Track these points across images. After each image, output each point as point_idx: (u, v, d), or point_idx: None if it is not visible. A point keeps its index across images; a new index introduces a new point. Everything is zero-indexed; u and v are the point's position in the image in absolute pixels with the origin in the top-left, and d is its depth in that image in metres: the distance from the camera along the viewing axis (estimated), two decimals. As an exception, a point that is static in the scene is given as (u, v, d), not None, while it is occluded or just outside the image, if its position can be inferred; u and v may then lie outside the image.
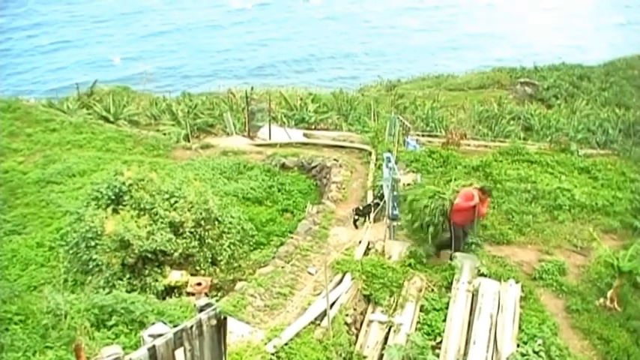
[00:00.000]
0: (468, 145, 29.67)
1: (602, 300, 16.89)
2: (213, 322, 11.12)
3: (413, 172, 23.41)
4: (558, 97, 48.13)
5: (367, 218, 19.91)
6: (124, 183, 17.69)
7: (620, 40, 75.99)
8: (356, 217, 19.92)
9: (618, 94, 49.37)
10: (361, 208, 20.06)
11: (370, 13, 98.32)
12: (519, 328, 15.21)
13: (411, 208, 17.71)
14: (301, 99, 39.60)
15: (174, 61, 76.39)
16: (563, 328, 15.85)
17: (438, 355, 14.15)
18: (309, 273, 16.71)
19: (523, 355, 14.06)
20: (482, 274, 16.95)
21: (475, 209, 16.72)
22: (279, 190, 23.55)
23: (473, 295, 16.21)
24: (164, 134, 32.13)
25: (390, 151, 22.35)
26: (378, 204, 19.77)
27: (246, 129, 31.57)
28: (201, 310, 11.17)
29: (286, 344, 13.06)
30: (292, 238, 18.82)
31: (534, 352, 14.16)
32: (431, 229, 17.14)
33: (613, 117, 38.87)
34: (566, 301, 16.97)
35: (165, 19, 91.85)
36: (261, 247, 19.28)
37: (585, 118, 38.71)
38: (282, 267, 16.82)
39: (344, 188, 22.90)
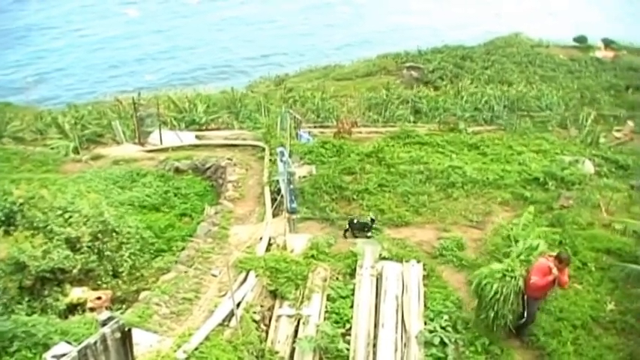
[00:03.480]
0: (360, 133, 30.33)
1: (500, 270, 17.51)
2: (118, 335, 11.04)
3: (308, 164, 23.75)
4: (444, 78, 49.65)
5: (356, 234, 19.49)
6: (14, 203, 17.10)
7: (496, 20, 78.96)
8: (347, 228, 19.71)
9: (500, 71, 51.55)
10: (355, 221, 19.54)
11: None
12: (425, 306, 15.79)
13: (479, 297, 14.56)
14: (190, 101, 39.23)
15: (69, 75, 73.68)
16: (467, 302, 16.43)
17: (348, 342, 14.51)
18: (213, 275, 16.70)
19: (431, 332, 14.67)
20: (384, 258, 17.49)
21: (554, 282, 14.19)
22: (175, 195, 23.32)
23: (377, 278, 16.68)
24: (52, 148, 31.08)
25: (283, 145, 22.59)
26: (373, 220, 19.50)
27: (137, 136, 31.03)
28: (103, 324, 11.08)
29: (196, 349, 13.06)
30: (192, 241, 18.73)
31: (441, 327, 14.83)
32: (509, 317, 14.24)
33: (497, 94, 40.45)
34: (467, 274, 17.61)
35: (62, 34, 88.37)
36: (163, 253, 19.08)
37: (471, 97, 40.11)
38: (185, 272, 16.75)
39: (240, 186, 22.96)
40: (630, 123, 36.61)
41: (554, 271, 13.78)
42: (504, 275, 13.93)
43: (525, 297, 14.28)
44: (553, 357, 14.67)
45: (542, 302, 15.16)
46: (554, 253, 14.44)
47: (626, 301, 16.68)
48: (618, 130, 35.54)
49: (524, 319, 14.62)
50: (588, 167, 26.46)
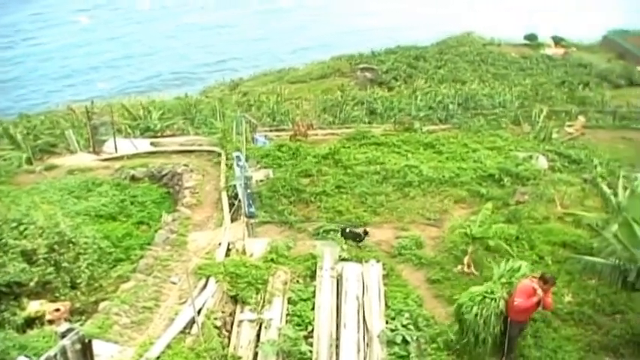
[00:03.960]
0: (316, 135, 30.48)
1: (459, 267, 17.94)
2: (78, 346, 10.95)
3: (264, 167, 23.76)
4: (398, 78, 50.24)
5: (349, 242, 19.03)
6: (-34, 217, 16.81)
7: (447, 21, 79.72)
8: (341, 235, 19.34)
9: (453, 70, 52.34)
10: (348, 230, 19.20)
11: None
12: (386, 305, 15.88)
13: (459, 321, 14.02)
14: (144, 107, 38.91)
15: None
16: (427, 299, 16.66)
17: (311, 344, 14.51)
18: (173, 282, 16.57)
19: (392, 330, 14.74)
20: (343, 259, 17.58)
21: (539, 304, 13.59)
22: (131, 203, 23.07)
23: (337, 280, 16.73)
24: (4, 160, 30.54)
25: (239, 149, 22.53)
26: (366, 232, 19.17)
27: (91, 145, 30.62)
28: (63, 336, 10.96)
29: (158, 358, 12.96)
30: (151, 249, 18.54)
31: (403, 325, 14.90)
32: (489, 341, 13.68)
33: (451, 92, 40.98)
34: (426, 272, 17.88)
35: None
36: (121, 263, 18.82)
37: (425, 96, 40.60)
38: (145, 280, 16.56)
39: (197, 192, 22.83)
40: (581, 118, 37.33)
41: (539, 292, 13.30)
42: (484, 297, 13.55)
43: (508, 320, 13.77)
44: (514, 351, 14.91)
45: (525, 326, 14.45)
46: (538, 275, 13.96)
47: (582, 293, 17.03)
48: (570, 126, 36.17)
49: (505, 345, 14.08)
50: (542, 162, 26.96)
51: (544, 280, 13.52)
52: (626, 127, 36.82)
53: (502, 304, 13.52)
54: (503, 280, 13.99)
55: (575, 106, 40.96)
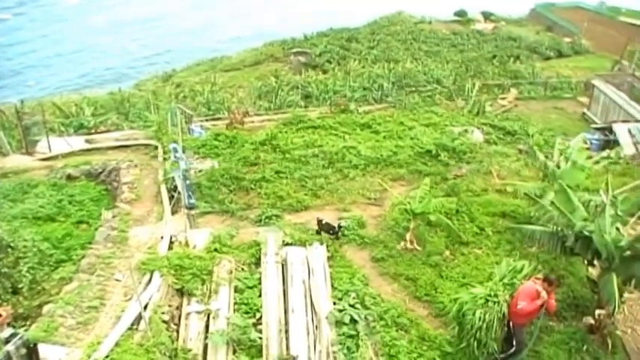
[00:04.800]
0: (252, 122, 30.45)
1: (402, 243, 18.22)
2: (23, 351, 10.80)
3: (202, 157, 23.62)
4: (331, 61, 50.29)
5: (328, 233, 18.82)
6: None
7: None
8: (318, 230, 19.02)
9: (386, 50, 52.66)
10: (324, 222, 18.83)
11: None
12: (332, 286, 16.02)
13: (460, 325, 13.48)
14: (76, 104, 38.09)
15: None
16: (372, 277, 16.91)
17: (260, 331, 14.56)
18: (117, 280, 16.38)
19: (340, 311, 14.88)
20: (287, 244, 17.62)
21: (542, 306, 13.07)
22: (69, 203, 22.61)
23: (282, 265, 16.79)
24: None
25: (175, 141, 22.29)
26: (340, 227, 18.81)
27: (24, 146, 29.89)
28: (7, 341, 10.78)
29: (107, 356, 12.82)
30: (92, 248, 18.25)
31: (350, 305, 15.07)
32: (492, 345, 13.04)
33: (384, 72, 41.33)
34: (370, 251, 18.13)
35: None
36: (63, 264, 18.45)
37: (359, 77, 40.86)
38: (88, 280, 16.31)
39: (136, 187, 22.55)
40: (514, 90, 38.28)
41: (543, 294, 12.83)
42: (487, 301, 12.94)
43: (510, 324, 13.34)
44: (460, 322, 15.25)
45: (528, 328, 13.92)
46: (541, 276, 13.43)
47: (523, 261, 17.45)
48: (503, 98, 37.03)
49: (513, 349, 13.59)
50: (477, 136, 27.54)
51: (548, 282, 13.11)
52: (558, 97, 37.94)
53: (505, 307, 12.96)
54: (506, 280, 13.48)
55: (507, 78, 41.82)
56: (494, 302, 12.85)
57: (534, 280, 13.24)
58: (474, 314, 12.79)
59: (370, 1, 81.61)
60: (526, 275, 13.66)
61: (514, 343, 13.51)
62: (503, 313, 12.91)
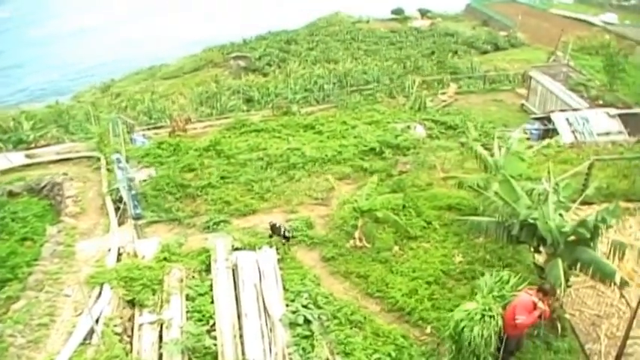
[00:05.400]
0: (195, 129, 30.34)
1: (351, 242, 18.40)
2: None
3: (146, 166, 23.41)
4: (271, 64, 50.28)
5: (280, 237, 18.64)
6: None
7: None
8: (271, 234, 18.87)
9: (325, 50, 52.89)
10: (278, 225, 18.55)
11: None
12: (284, 288, 16.07)
13: (457, 342, 12.99)
14: (14, 119, 37.28)
15: None
16: (323, 277, 17.05)
17: (215, 338, 14.52)
18: (66, 295, 16.12)
19: (293, 312, 14.94)
20: (237, 249, 17.61)
21: (541, 317, 13.12)
22: (12, 220, 22.17)
23: (233, 270, 16.76)
24: None
25: (118, 151, 22.08)
26: (288, 231, 18.47)
27: (-40, 164, 29.18)
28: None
29: (61, 373, 12.70)
30: (39, 265, 17.93)
31: (303, 306, 15.15)
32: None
33: (325, 73, 41.54)
34: (320, 251, 18.28)
35: None
36: (8, 283, 18.14)
37: (300, 79, 40.97)
38: (36, 297, 16.01)
39: (80, 200, 22.23)
40: (453, 85, 38.80)
41: (540, 305, 12.76)
42: (483, 316, 12.69)
43: (504, 336, 12.93)
44: (413, 315, 15.48)
45: (522, 339, 13.86)
46: (534, 288, 13.25)
47: (471, 252, 17.84)
48: (443, 93, 37.53)
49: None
50: (420, 131, 27.90)
51: (544, 292, 12.96)
52: (496, 90, 38.66)
53: (500, 321, 12.75)
54: (495, 293, 13.33)
55: (446, 74, 42.41)
56: (490, 317, 12.67)
57: (527, 291, 13.09)
58: (471, 331, 12.53)
59: (307, 3, 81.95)
60: (514, 286, 13.56)
61: (502, 354, 13.18)
62: (499, 327, 12.72)
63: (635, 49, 47.07)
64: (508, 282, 13.64)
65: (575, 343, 14.37)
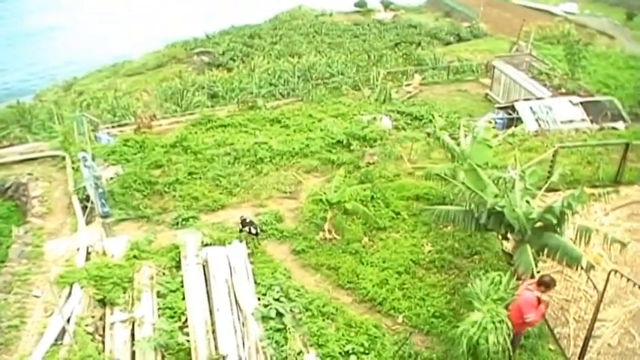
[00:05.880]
0: (160, 125, 30.21)
1: (321, 234, 18.47)
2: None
3: (112, 164, 23.24)
4: (235, 59, 50.27)
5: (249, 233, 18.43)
6: None
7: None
8: (241, 228, 18.65)
9: (289, 44, 52.97)
10: (248, 220, 18.40)
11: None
12: (255, 282, 16.08)
13: (474, 354, 12.75)
14: (-25, 121, 36.87)
15: None
16: (294, 270, 17.12)
17: (187, 334, 14.50)
18: (35, 296, 15.96)
19: (266, 306, 14.97)
20: (206, 244, 17.55)
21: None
22: (-23, 223, 22.02)
23: (203, 266, 16.73)
24: None
25: (83, 150, 21.88)
26: (256, 228, 18.37)
27: None
28: None
29: (33, 375, 12.62)
30: (6, 266, 17.72)
31: (275, 299, 15.18)
32: None
33: (289, 67, 41.60)
34: (290, 244, 18.32)
35: None
36: (-24, 286, 18.00)
37: (265, 73, 40.99)
38: (5, 299, 15.79)
39: (46, 200, 21.96)
40: (418, 76, 39.13)
41: (544, 297, 12.59)
42: (493, 321, 12.49)
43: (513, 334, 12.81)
44: (385, 305, 15.63)
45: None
46: (532, 281, 12.96)
47: (440, 241, 18.07)
48: (408, 85, 37.86)
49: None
50: (386, 123, 28.11)
51: (545, 285, 12.62)
52: (460, 80, 39.21)
53: (510, 324, 12.57)
54: (494, 296, 13.16)
55: (410, 65, 42.73)
56: (500, 322, 12.51)
57: (527, 287, 12.77)
58: (487, 341, 12.34)
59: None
60: (508, 284, 13.39)
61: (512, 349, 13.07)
62: (511, 328, 12.58)
63: (594, 37, 47.94)
64: (500, 282, 13.47)
65: (544, 327, 14.63)
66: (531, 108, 28.42)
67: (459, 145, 19.76)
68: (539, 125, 27.35)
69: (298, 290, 15.77)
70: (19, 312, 15.10)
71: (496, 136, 21.05)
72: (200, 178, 22.28)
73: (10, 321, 14.71)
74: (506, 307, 12.90)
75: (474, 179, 15.81)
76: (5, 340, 14.09)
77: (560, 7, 61.58)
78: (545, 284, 12.60)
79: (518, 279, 13.74)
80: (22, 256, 18.01)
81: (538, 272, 13.88)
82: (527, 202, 14.82)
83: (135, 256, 17.19)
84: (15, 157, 26.07)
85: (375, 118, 28.16)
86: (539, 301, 12.54)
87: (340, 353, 13.88)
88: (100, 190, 18.58)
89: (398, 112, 30.50)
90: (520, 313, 12.58)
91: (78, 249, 17.78)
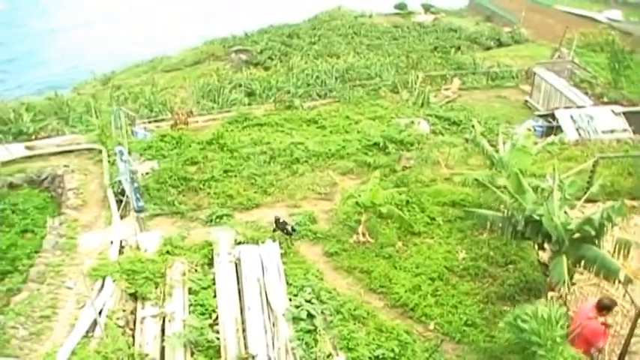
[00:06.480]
0: (197, 122, 30.35)
1: (354, 237, 18.43)
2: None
3: (148, 159, 23.43)
4: (273, 58, 50.18)
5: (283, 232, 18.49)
6: None
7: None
8: (275, 227, 18.71)
9: (327, 45, 52.82)
10: (282, 220, 18.46)
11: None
12: (287, 283, 16.11)
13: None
14: (14, 110, 37.23)
15: None
16: (327, 272, 17.09)
17: (217, 332, 14.56)
18: (68, 287, 16.14)
19: (297, 307, 14.98)
20: (239, 243, 17.63)
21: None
22: (12, 212, 22.16)
23: (236, 264, 16.80)
24: None
25: (120, 144, 22.09)
26: (294, 229, 18.42)
27: (-40, 156, 29.15)
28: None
29: (65, 366, 12.73)
30: (40, 257, 17.93)
31: (306, 301, 15.18)
32: None
33: (327, 67, 41.55)
34: (323, 246, 18.32)
35: None
36: (9, 275, 18.16)
37: (302, 73, 40.98)
38: (38, 289, 16.02)
39: (82, 193, 22.20)
40: (457, 80, 38.83)
41: (609, 321, 12.37)
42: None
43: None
44: (416, 311, 15.57)
45: None
46: (592, 305, 12.50)
47: (475, 248, 17.94)
48: (447, 89, 37.60)
49: None
50: (424, 127, 27.95)
51: (607, 308, 12.25)
52: (499, 86, 38.77)
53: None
54: (553, 336, 11.78)
55: (449, 69, 42.43)
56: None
57: (589, 317, 12.23)
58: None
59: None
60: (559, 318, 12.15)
61: None
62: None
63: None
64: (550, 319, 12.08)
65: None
66: (572, 116, 28.03)
67: (497, 151, 19.59)
68: (580, 134, 26.97)
69: (330, 292, 15.73)
70: (51, 302, 15.27)
71: (535, 143, 20.79)
72: (235, 176, 22.36)
73: (42, 311, 14.89)
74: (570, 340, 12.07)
75: (515, 185, 15.68)
76: (37, 330, 14.26)
77: (605, 13, 60.62)
78: (607, 308, 12.26)
79: (551, 290, 13.59)
80: (56, 247, 18.21)
81: (573, 284, 13.72)
82: (566, 212, 14.65)
83: (168, 252, 17.32)
84: (52, 148, 26.38)
85: (412, 122, 28.01)
86: (606, 326, 12.29)
87: (370, 358, 13.82)
88: (136, 185, 18.69)
89: (436, 117, 30.30)
90: (588, 345, 12.25)
91: (111, 242, 17.97)
